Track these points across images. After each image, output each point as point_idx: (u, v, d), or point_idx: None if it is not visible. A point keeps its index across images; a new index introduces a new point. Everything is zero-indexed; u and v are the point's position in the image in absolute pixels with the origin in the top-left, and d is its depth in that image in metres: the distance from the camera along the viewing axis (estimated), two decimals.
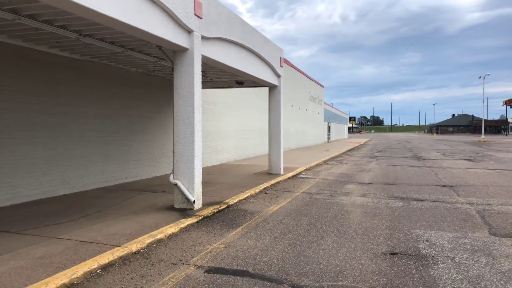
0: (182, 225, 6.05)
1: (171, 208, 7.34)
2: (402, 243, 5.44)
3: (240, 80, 13.25)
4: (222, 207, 7.58)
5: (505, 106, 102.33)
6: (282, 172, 13.10)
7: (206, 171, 13.73)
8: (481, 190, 10.47)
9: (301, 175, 13.52)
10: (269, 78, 12.13)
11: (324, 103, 46.34)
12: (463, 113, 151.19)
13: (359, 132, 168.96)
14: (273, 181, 11.18)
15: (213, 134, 15.94)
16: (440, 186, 11.29)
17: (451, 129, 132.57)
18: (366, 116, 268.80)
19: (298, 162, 17.73)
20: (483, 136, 59.23)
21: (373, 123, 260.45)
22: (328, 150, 28.31)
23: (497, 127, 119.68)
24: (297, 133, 30.50)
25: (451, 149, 32.85)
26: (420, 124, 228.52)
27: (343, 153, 26.55)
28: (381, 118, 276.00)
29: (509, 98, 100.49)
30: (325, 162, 19.12)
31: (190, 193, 7.20)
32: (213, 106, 15.87)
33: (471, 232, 6.06)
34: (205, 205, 7.59)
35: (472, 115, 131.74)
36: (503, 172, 14.97)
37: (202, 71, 11.30)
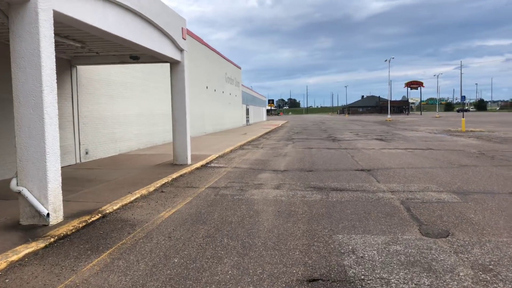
0: (15, 257, 4.08)
1: (16, 225, 5.25)
2: (323, 258, 4.16)
3: (135, 55, 11.10)
4: (94, 218, 5.68)
5: (406, 87, 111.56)
6: (189, 162, 11.38)
7: (96, 164, 11.45)
8: (398, 173, 9.90)
9: (212, 164, 11.95)
10: (169, 51, 10.21)
11: (242, 85, 45.14)
12: (371, 94, 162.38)
13: (278, 114, 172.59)
14: (175, 175, 9.43)
15: (108, 120, 13.56)
16: (358, 170, 10.56)
17: (361, 109, 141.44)
18: (284, 98, 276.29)
19: (211, 148, 16.13)
20: (389, 116, 63.43)
21: (291, 106, 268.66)
22: (246, 133, 27.15)
23: (399, 107, 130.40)
24: (213, 117, 28.81)
25: (363, 129, 33.92)
26: (333, 105, 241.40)
27: (260, 136, 25.58)
28: (298, 101, 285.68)
29: (410, 81, 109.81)
30: (241, 147, 17.79)
31: (43, 204, 5.17)
32: (107, 86, 13.43)
33: (400, 232, 5.04)
34: (71, 216, 5.62)
35: (379, 96, 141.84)
36: (414, 151, 15.01)
37: (80, 41, 9.00)
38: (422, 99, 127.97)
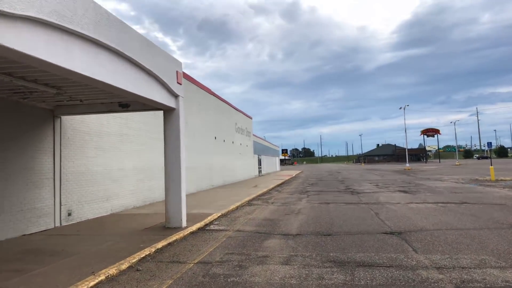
0: None
1: None
2: None
3: (125, 102, 9.89)
4: None
5: (422, 135, 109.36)
6: (183, 224, 9.69)
7: (77, 228, 9.84)
8: (438, 238, 7.98)
9: (211, 226, 10.20)
10: (161, 97, 8.93)
11: (254, 135, 44.11)
12: (386, 143, 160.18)
13: (292, 164, 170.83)
14: (162, 243, 7.73)
15: (99, 176, 12.14)
16: (386, 234, 8.67)
17: (376, 158, 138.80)
18: (298, 148, 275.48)
19: (215, 205, 14.43)
20: (407, 165, 61.03)
21: (305, 155, 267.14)
22: (256, 186, 25.43)
23: (417, 155, 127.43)
24: (222, 169, 27.33)
25: (382, 179, 31.83)
26: (348, 154, 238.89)
27: (272, 188, 23.80)
28: (312, 150, 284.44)
29: (426, 128, 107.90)
30: (249, 202, 16.03)
31: None
32: (98, 138, 12.16)
33: None
34: None
35: (395, 144, 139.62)
36: (447, 206, 13.01)
37: (54, 86, 7.79)
38: (439, 147, 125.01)
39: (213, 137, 25.38)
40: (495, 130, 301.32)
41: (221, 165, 26.97)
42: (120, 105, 9.92)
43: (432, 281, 5.18)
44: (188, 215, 11.36)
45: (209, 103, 24.70)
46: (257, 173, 43.80)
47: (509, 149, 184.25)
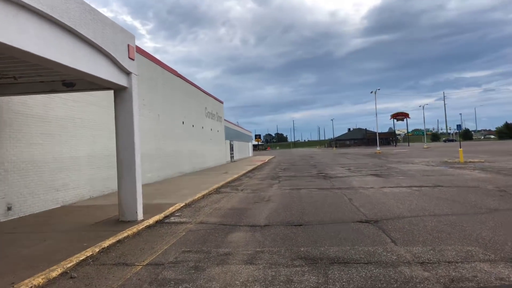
0: None
1: None
2: None
3: (69, 81, 8.65)
4: None
5: (392, 119, 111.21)
6: (139, 217, 8.67)
7: (16, 224, 8.63)
8: (417, 226, 7.37)
9: (171, 219, 9.23)
10: (109, 74, 7.78)
11: (225, 120, 42.98)
12: (357, 127, 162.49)
13: (265, 149, 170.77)
14: (110, 241, 6.71)
15: (47, 164, 10.86)
16: (361, 222, 8.00)
17: (348, 142, 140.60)
18: (271, 133, 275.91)
19: (180, 193, 13.43)
20: (378, 148, 61.70)
21: (278, 140, 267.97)
22: (227, 172, 24.52)
23: (387, 139, 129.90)
24: (191, 155, 26.21)
25: (355, 163, 31.64)
26: (320, 139, 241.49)
27: (243, 174, 22.97)
28: (285, 135, 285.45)
29: (396, 112, 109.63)
30: (217, 190, 15.13)
31: None
32: (44, 123, 10.83)
33: None
34: None
35: (365, 129, 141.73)
36: (421, 190, 12.58)
37: None
38: (408, 131, 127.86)
39: (181, 121, 24.15)
40: (460, 114, 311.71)
41: (190, 151, 25.84)
42: (64, 84, 8.68)
43: (417, 281, 4.47)
44: (147, 206, 10.35)
45: (175, 85, 23.37)
46: (229, 159, 42.86)
47: (473, 132, 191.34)
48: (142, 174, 17.62)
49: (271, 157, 56.66)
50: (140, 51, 17.89)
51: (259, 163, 35.74)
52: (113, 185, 14.55)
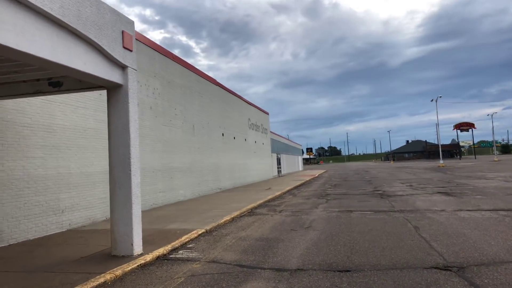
0: None
1: None
2: None
3: (56, 79, 7.05)
4: None
5: (455, 130, 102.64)
6: (137, 250, 6.75)
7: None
8: None
9: (179, 253, 7.20)
10: (92, 67, 6.03)
11: (272, 132, 40.99)
12: (416, 139, 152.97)
13: (318, 163, 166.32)
14: None
15: (50, 181, 9.41)
16: (438, 269, 5.44)
17: (406, 155, 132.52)
18: (324, 147, 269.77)
19: (204, 216, 11.48)
20: (441, 161, 56.20)
21: (331, 154, 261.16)
22: (270, 188, 22.32)
23: (449, 151, 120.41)
24: (232, 169, 24.39)
25: (416, 178, 28.01)
26: (376, 152, 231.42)
27: (287, 191, 20.63)
28: (338, 148, 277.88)
29: (459, 122, 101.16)
30: (251, 210, 12.98)
31: None
32: (47, 133, 9.43)
33: None
34: None
35: (425, 140, 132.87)
36: None
37: None
38: (474, 142, 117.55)
39: (220, 133, 22.46)
40: None
41: (230, 165, 24.03)
42: (50, 83, 7.11)
43: None
44: (158, 232, 8.47)
45: (213, 94, 21.79)
46: (276, 173, 40.64)
47: None
48: (174, 191, 16.09)
49: (322, 171, 53.58)
50: (170, 55, 16.48)
51: (308, 178, 33.14)
52: None
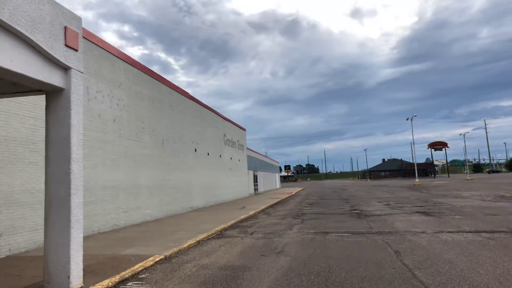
0: None
1: None
2: None
3: None
4: None
5: (429, 149, 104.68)
6: (75, 283, 5.68)
7: None
8: None
9: (127, 286, 6.17)
10: (30, 68, 5.11)
11: (248, 149, 40.19)
12: (392, 158, 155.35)
13: (295, 180, 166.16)
14: None
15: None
16: None
17: (382, 173, 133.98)
18: (302, 164, 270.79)
19: (169, 238, 10.44)
20: (417, 180, 56.60)
21: (309, 171, 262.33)
22: (244, 207, 21.35)
23: (424, 170, 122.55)
24: (206, 187, 23.32)
25: (393, 196, 27.63)
26: (353, 170, 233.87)
27: (262, 210, 19.71)
28: (316, 166, 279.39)
29: (433, 141, 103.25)
30: (221, 232, 12.00)
31: None
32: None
33: None
34: None
35: (401, 159, 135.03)
36: (495, 238, 8.97)
37: None
38: (447, 161, 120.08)
39: (193, 148, 21.48)
40: (505, 143, 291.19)
41: (204, 183, 22.97)
42: None
43: None
44: (112, 259, 7.43)
45: (186, 108, 20.88)
46: (252, 191, 39.66)
47: None
48: (139, 210, 14.91)
49: (299, 189, 52.94)
50: (138, 65, 15.56)
51: (284, 196, 32.32)
52: (93, 225, 11.77)
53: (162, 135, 17.33)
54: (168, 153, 17.84)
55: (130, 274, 6.59)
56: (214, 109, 27.62)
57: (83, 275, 6.35)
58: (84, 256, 8.10)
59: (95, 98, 12.37)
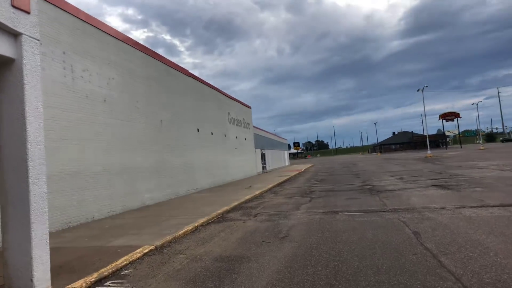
0: None
1: None
2: None
3: None
4: None
5: (441, 120, 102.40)
6: (41, 285, 4.86)
7: None
8: None
9: (104, 286, 5.36)
10: None
11: (255, 127, 39.16)
12: (402, 130, 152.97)
13: (305, 157, 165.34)
14: None
15: None
16: None
17: (393, 147, 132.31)
18: (311, 141, 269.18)
19: (164, 224, 9.65)
20: (429, 152, 55.21)
21: (319, 147, 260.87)
22: (251, 186, 20.54)
23: (435, 141, 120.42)
24: (210, 167, 22.51)
25: (406, 170, 26.57)
26: (363, 144, 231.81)
27: (269, 189, 18.87)
28: (325, 142, 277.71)
29: (445, 112, 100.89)
30: (222, 215, 11.19)
31: None
32: None
33: None
34: None
35: (412, 131, 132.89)
36: None
37: None
38: (459, 132, 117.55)
39: (195, 128, 20.55)
40: None
41: (208, 163, 22.14)
42: None
43: None
44: (96, 252, 6.66)
45: (186, 87, 19.85)
46: (260, 169, 38.87)
47: None
48: (137, 195, 14.15)
49: (309, 165, 52.08)
50: (130, 41, 14.47)
51: (293, 174, 31.49)
52: (87, 212, 11.04)
53: (160, 115, 16.39)
54: (167, 134, 16.95)
55: (111, 270, 5.78)
56: (222, 89, 26.53)
57: (57, 275, 5.57)
58: (66, 249, 7.36)
59: (81, 77, 11.41)
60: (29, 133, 4.90)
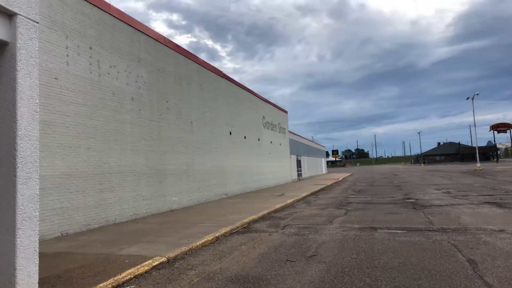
0: None
1: None
2: None
3: None
4: None
5: (492, 131, 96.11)
6: None
7: None
8: None
9: None
10: None
11: (291, 132, 38.16)
12: (448, 141, 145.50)
13: (344, 165, 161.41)
14: None
15: None
16: None
17: (438, 158, 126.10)
18: (351, 149, 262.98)
19: (185, 232, 8.96)
20: (478, 165, 51.55)
21: (358, 156, 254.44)
22: (283, 194, 19.59)
23: (485, 154, 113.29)
24: (242, 172, 21.81)
25: (453, 183, 24.53)
26: (406, 154, 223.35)
27: (302, 198, 17.84)
28: (366, 151, 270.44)
29: (496, 123, 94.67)
30: (247, 225, 10.35)
31: None
32: None
33: None
34: None
35: (459, 142, 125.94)
36: None
37: None
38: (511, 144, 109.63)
39: (227, 131, 19.94)
40: None
41: (240, 168, 21.45)
42: None
43: None
44: (102, 261, 6.04)
45: (219, 88, 19.30)
46: (295, 176, 37.74)
47: None
48: (164, 198, 13.64)
49: (347, 174, 50.19)
50: (162, 38, 14.06)
51: (329, 183, 30.14)
52: (107, 214, 10.60)
53: (191, 116, 15.90)
54: (198, 136, 16.42)
55: (110, 286, 5.09)
56: (260, 94, 25.88)
57: (52, 286, 4.96)
58: (74, 256, 6.81)
59: (108, 73, 11.06)
60: (20, 126, 4.32)
